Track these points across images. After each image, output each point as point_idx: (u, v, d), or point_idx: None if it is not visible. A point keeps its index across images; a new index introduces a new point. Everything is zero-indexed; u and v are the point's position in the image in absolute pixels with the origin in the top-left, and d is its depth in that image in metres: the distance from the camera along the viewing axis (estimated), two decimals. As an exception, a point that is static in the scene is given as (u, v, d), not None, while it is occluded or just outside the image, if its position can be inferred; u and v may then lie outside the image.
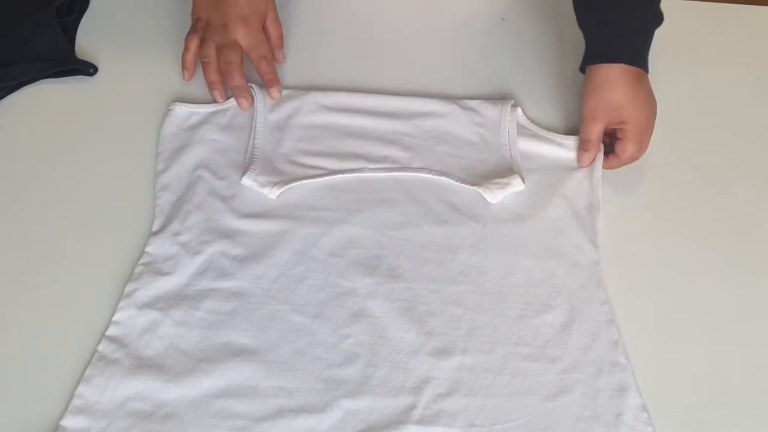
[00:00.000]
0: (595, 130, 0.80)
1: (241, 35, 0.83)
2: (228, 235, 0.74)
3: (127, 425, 0.63)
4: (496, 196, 0.77)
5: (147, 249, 0.73)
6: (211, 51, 0.83)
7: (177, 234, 0.74)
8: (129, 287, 0.71)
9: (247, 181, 0.77)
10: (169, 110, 0.83)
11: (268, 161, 0.79)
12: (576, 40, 0.83)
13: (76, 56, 0.88)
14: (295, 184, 0.77)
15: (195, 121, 0.82)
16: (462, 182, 0.78)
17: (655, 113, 0.80)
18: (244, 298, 0.71)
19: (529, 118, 0.84)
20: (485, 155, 0.81)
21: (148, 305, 0.70)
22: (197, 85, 0.86)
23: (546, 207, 0.77)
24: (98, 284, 0.71)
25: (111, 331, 0.68)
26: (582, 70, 0.83)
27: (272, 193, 0.77)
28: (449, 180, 0.79)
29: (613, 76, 0.79)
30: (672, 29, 0.81)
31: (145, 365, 0.66)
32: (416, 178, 0.79)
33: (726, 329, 0.72)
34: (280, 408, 0.65)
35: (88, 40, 0.91)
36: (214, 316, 0.69)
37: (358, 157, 0.80)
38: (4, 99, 0.84)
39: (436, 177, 0.79)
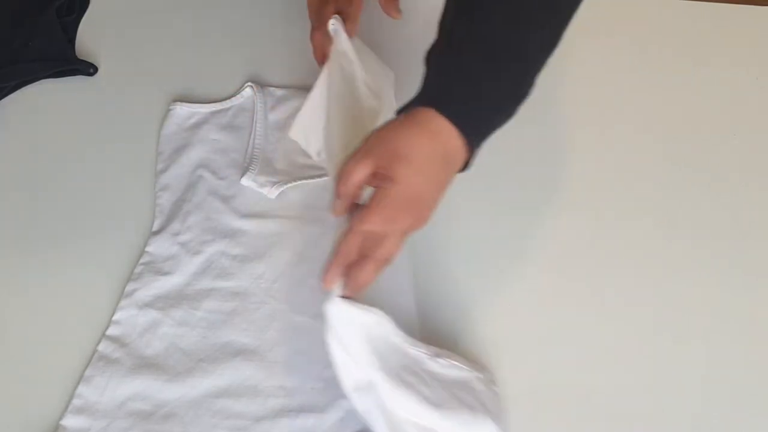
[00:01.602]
0: (362, 171, 0.60)
1: None
2: (228, 234, 0.74)
3: (128, 425, 0.63)
4: None
5: (147, 249, 0.73)
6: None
7: (177, 234, 0.74)
8: (129, 287, 0.71)
9: (246, 180, 0.77)
10: (170, 110, 0.83)
11: (267, 161, 0.79)
12: (576, 41, 0.83)
13: (76, 56, 0.88)
14: (294, 183, 0.77)
15: (195, 121, 0.83)
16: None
17: (436, 203, 0.61)
18: (245, 297, 0.71)
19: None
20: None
21: (149, 305, 0.70)
22: (198, 85, 0.86)
23: None
24: (98, 284, 0.71)
25: (111, 331, 0.68)
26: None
27: (272, 193, 0.77)
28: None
29: (438, 128, 0.59)
30: (672, 29, 0.81)
31: (146, 365, 0.66)
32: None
33: (724, 330, 0.72)
34: (280, 408, 0.65)
35: (88, 40, 0.91)
36: (214, 315, 0.69)
37: (358, 156, 0.80)
38: (4, 99, 0.85)
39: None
